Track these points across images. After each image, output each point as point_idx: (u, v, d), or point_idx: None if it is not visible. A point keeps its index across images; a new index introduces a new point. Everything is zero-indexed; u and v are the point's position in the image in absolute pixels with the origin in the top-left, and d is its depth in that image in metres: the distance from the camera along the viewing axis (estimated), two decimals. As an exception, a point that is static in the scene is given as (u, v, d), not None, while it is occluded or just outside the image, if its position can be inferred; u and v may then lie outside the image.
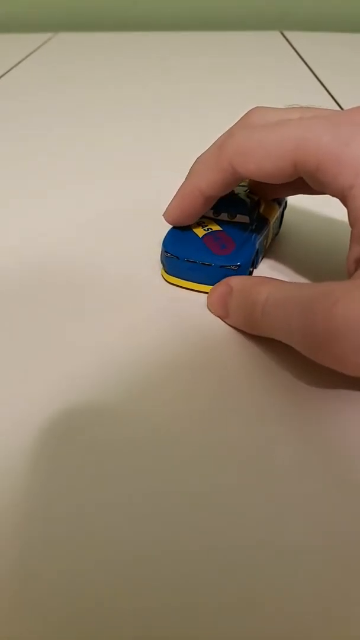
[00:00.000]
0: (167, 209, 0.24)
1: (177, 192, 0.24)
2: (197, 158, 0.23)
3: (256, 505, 0.16)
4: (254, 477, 0.17)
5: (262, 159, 0.20)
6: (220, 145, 0.22)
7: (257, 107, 0.23)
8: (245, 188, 0.26)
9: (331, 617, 0.13)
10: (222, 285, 0.23)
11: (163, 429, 0.18)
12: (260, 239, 0.24)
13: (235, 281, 0.22)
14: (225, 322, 0.23)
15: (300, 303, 0.19)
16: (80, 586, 0.14)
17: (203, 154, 0.23)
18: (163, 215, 0.24)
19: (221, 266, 0.23)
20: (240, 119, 0.22)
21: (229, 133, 0.22)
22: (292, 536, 0.15)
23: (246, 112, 0.23)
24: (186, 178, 0.23)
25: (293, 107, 0.21)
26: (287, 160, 0.19)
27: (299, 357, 0.19)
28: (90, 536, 0.15)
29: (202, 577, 0.14)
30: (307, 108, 0.21)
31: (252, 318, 0.21)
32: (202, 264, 0.23)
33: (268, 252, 0.27)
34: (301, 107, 0.21)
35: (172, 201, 0.24)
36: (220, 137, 0.22)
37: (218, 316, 0.23)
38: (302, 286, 0.19)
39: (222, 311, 0.23)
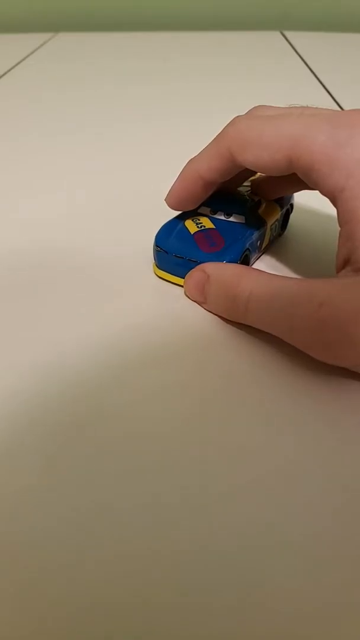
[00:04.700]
0: (168, 192, 0.24)
1: (178, 176, 0.24)
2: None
3: (256, 504, 0.16)
4: (255, 475, 0.17)
5: (260, 150, 0.20)
6: (222, 131, 0.22)
7: (260, 105, 0.23)
8: (248, 188, 0.26)
9: (331, 617, 0.13)
10: (197, 272, 0.23)
11: (162, 426, 0.18)
12: (251, 240, 0.24)
13: (211, 268, 0.22)
14: (203, 307, 0.23)
15: (284, 304, 0.19)
16: (80, 586, 0.14)
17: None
18: (165, 199, 0.24)
19: None
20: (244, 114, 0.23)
21: (232, 121, 0.22)
22: (292, 536, 0.15)
23: (247, 111, 0.23)
24: (187, 162, 0.23)
25: (294, 107, 0.21)
26: (283, 156, 0.20)
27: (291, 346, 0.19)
28: (91, 535, 0.15)
29: (202, 577, 0.14)
30: (308, 108, 0.21)
31: (236, 311, 0.21)
32: (188, 260, 0.23)
33: (268, 250, 0.27)
34: (302, 107, 0.21)
35: (173, 185, 0.24)
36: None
37: (195, 302, 0.23)
38: (285, 282, 0.20)
39: (199, 297, 0.23)
